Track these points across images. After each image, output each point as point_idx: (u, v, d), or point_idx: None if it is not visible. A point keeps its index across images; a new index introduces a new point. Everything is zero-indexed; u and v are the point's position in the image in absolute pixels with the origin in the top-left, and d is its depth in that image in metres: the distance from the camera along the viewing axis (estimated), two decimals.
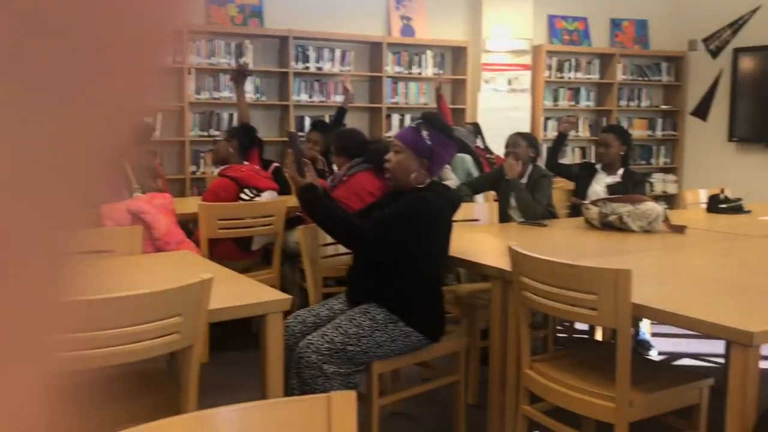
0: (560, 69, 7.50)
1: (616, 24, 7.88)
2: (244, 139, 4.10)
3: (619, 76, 7.69)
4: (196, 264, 2.63)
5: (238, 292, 2.19)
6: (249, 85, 6.06)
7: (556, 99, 7.51)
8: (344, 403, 1.15)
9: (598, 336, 3.95)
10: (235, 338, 4.22)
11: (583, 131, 7.69)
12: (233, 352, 4.04)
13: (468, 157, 5.13)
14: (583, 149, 7.73)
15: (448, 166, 4.92)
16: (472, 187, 4.23)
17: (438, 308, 2.69)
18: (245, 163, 4.09)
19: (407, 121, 6.66)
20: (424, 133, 2.60)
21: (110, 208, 3.26)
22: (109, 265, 2.56)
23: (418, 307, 2.59)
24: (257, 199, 3.96)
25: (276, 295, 2.13)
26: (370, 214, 2.67)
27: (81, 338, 1.69)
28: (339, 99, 6.53)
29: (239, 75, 4.92)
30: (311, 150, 5.02)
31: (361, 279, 2.69)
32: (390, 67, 6.70)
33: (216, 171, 4.11)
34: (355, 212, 2.86)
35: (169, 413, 1.95)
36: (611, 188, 4.17)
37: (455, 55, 7.11)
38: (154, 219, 3.31)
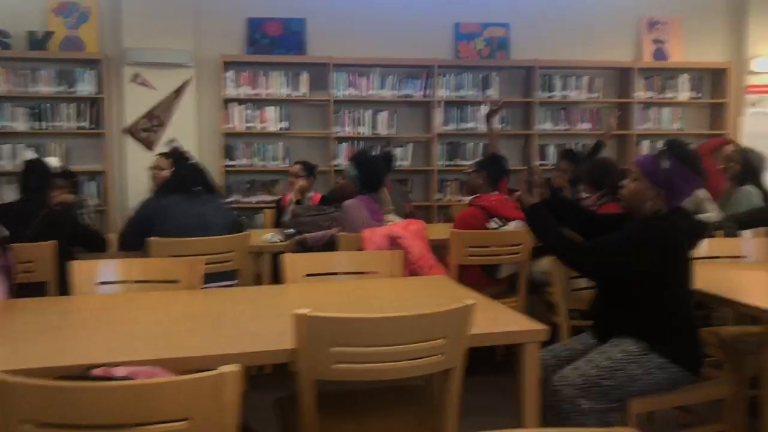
0: None
1: None
2: (494, 169, 4.20)
3: None
4: (451, 289, 2.76)
5: (495, 319, 2.26)
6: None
7: None
8: None
9: None
10: (478, 364, 4.30)
11: None
12: (477, 378, 4.11)
13: (754, 190, 4.69)
14: None
15: (708, 197, 4.59)
16: (741, 222, 3.88)
17: (692, 339, 2.54)
18: (495, 192, 4.19)
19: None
20: (666, 163, 2.49)
21: (371, 232, 3.53)
22: (376, 286, 2.78)
23: (669, 337, 2.48)
24: (504, 228, 4.03)
25: (534, 325, 2.17)
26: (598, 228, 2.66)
27: (360, 352, 1.88)
28: (585, 126, 6.41)
29: (492, 112, 5.12)
30: (559, 178, 5.00)
31: (606, 312, 2.65)
32: (641, 93, 6.43)
33: (467, 200, 4.26)
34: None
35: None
36: None
37: (714, 78, 6.62)
38: (409, 244, 3.52)
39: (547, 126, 6.36)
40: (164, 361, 1.77)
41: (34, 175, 3.77)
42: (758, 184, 4.74)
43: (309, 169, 4.98)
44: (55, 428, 1.39)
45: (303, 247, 3.89)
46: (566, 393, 2.37)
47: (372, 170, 3.84)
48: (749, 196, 4.61)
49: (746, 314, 2.94)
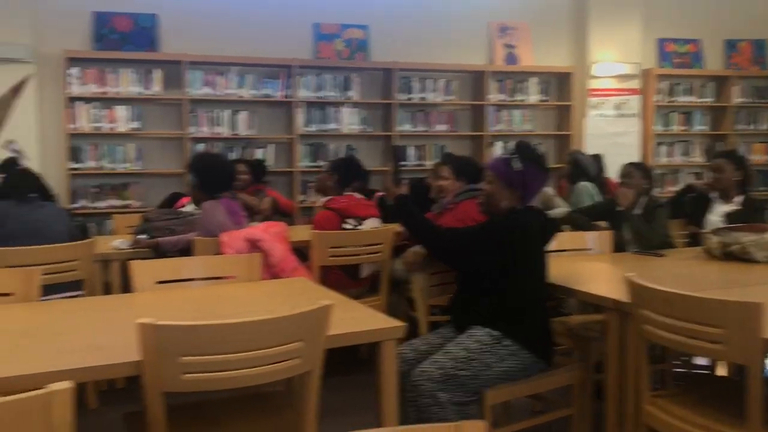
0: (671, 93, 7.25)
1: (731, 45, 7.55)
2: (345, 172, 4.22)
3: (736, 99, 7.34)
4: (312, 291, 2.71)
5: (353, 318, 2.24)
6: (355, 117, 6.22)
7: (667, 124, 7.26)
8: None
9: (720, 371, 3.74)
10: (342, 363, 4.28)
11: (698, 156, 7.38)
12: (341, 377, 4.10)
13: (590, 185, 5.04)
14: (696, 174, 7.40)
15: (553, 193, 4.86)
16: (590, 214, 4.12)
17: (542, 326, 2.66)
18: (346, 194, 4.20)
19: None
20: (517, 164, 2.61)
21: (230, 236, 3.41)
22: (232, 291, 2.68)
23: (521, 324, 2.59)
24: (360, 227, 4.04)
25: (391, 322, 2.16)
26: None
27: (211, 361, 1.78)
28: (442, 128, 6.59)
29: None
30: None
31: (464, 303, 2.72)
32: (493, 95, 6.70)
33: (321, 202, 4.25)
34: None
35: None
36: (731, 217, 3.96)
37: (560, 82, 7.02)
38: (270, 247, 3.44)
39: (407, 127, 6.46)
40: None
41: None
42: (592, 180, 5.13)
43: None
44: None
45: (157, 254, 3.70)
46: (425, 387, 2.40)
47: (214, 173, 3.74)
48: (584, 192, 4.98)
49: (591, 303, 3.11)
